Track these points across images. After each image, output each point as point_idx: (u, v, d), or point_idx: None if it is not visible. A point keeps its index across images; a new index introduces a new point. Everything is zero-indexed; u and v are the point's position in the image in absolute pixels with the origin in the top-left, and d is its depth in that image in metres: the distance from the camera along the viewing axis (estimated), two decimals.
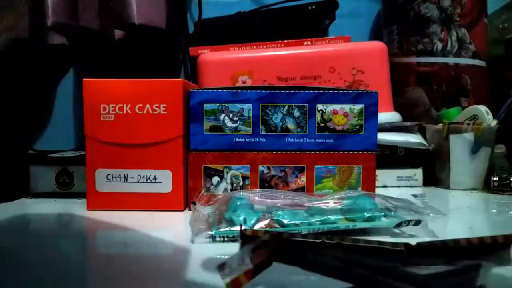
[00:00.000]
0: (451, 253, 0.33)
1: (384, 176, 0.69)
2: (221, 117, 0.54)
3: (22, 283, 0.31)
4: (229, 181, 0.54)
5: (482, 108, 0.68)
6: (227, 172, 0.54)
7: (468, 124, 0.67)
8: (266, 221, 0.41)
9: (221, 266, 0.27)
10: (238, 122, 0.54)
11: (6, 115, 0.80)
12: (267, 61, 0.73)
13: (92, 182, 0.53)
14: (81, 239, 0.43)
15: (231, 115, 0.54)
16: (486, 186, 0.67)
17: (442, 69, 0.78)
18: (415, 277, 0.25)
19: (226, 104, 0.53)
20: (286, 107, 0.54)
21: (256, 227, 0.40)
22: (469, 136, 0.67)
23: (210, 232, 0.40)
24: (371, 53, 0.73)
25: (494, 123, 0.68)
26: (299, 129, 0.54)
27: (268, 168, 0.54)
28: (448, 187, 0.69)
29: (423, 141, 0.69)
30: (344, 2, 0.85)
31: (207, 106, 0.54)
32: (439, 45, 0.78)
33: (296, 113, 0.54)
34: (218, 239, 0.40)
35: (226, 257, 0.27)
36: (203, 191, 0.53)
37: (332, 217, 0.41)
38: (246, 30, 0.81)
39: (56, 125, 0.93)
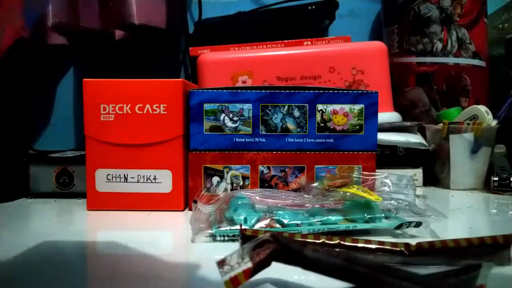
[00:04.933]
0: (451, 253, 0.33)
1: None
2: (221, 117, 0.54)
3: (22, 284, 0.31)
4: (229, 181, 0.54)
5: (482, 108, 0.68)
6: (227, 172, 0.54)
7: (468, 124, 0.67)
8: (267, 221, 0.41)
9: (221, 263, 0.27)
10: (238, 122, 0.54)
11: (6, 115, 0.80)
12: (267, 61, 0.73)
13: (92, 182, 0.53)
14: (81, 239, 0.43)
15: (231, 115, 0.54)
16: (486, 186, 0.67)
17: (442, 69, 0.78)
18: (415, 277, 0.25)
19: (226, 104, 0.53)
20: (286, 107, 0.54)
21: (257, 226, 0.40)
22: (469, 136, 0.67)
23: (210, 231, 0.40)
24: (371, 53, 0.73)
25: (494, 123, 0.68)
26: (299, 129, 0.54)
27: (268, 168, 0.54)
28: (448, 187, 0.69)
29: (423, 141, 0.69)
30: (344, 2, 0.85)
31: (207, 106, 0.54)
32: (439, 45, 0.78)
33: (296, 113, 0.54)
34: (218, 238, 0.40)
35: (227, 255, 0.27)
36: (203, 191, 0.53)
37: (333, 218, 0.41)
38: (246, 30, 0.81)
39: (56, 125, 0.93)
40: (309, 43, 0.76)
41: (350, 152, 0.54)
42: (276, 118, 0.54)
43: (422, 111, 0.80)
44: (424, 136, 0.72)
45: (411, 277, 0.25)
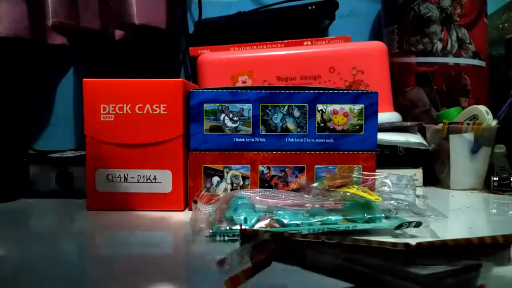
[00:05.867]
0: (451, 253, 0.33)
1: None
2: (221, 117, 0.54)
3: (22, 284, 0.31)
4: (229, 181, 0.54)
5: (482, 108, 0.68)
6: (227, 172, 0.54)
7: (468, 124, 0.67)
8: (267, 221, 0.41)
9: (221, 262, 0.27)
10: (238, 122, 0.54)
11: (6, 115, 0.80)
12: (267, 61, 0.73)
13: (92, 182, 0.53)
14: (81, 239, 0.43)
15: (231, 115, 0.54)
16: (486, 186, 0.67)
17: (442, 69, 0.78)
18: (415, 277, 0.25)
19: (226, 104, 0.53)
20: (286, 107, 0.54)
21: (257, 226, 0.40)
22: (469, 136, 0.67)
23: (210, 231, 0.40)
24: (371, 53, 0.73)
25: (494, 123, 0.68)
26: (299, 129, 0.54)
27: (268, 168, 0.54)
28: (448, 187, 0.69)
29: (423, 141, 0.69)
30: (344, 2, 0.85)
31: (207, 106, 0.54)
32: (439, 45, 0.78)
33: (296, 113, 0.54)
34: (218, 238, 0.40)
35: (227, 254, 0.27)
36: (203, 191, 0.53)
37: (333, 218, 0.41)
38: (246, 30, 0.81)
39: (56, 125, 0.93)
40: (309, 43, 0.76)
41: (350, 152, 0.54)
42: (276, 118, 0.54)
43: (422, 111, 0.80)
44: (424, 136, 0.72)
45: (411, 277, 0.25)
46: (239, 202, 0.44)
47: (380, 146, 0.69)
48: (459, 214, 0.53)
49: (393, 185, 0.50)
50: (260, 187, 0.54)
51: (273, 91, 0.54)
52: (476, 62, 0.78)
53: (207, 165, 0.54)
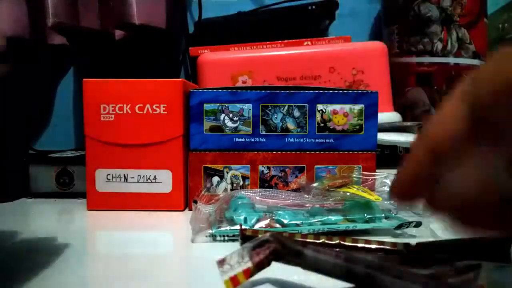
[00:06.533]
0: (451, 253, 0.33)
1: None
2: (221, 117, 0.54)
3: (22, 283, 0.31)
4: (229, 181, 0.54)
5: None
6: (227, 172, 0.54)
7: None
8: (267, 221, 0.41)
9: (221, 262, 0.27)
10: (238, 122, 0.54)
11: (6, 115, 0.80)
12: (267, 61, 0.73)
13: (92, 182, 0.53)
14: (81, 239, 0.43)
15: (231, 115, 0.54)
16: None
17: (442, 69, 0.78)
18: (415, 277, 0.25)
19: (226, 104, 0.53)
20: (286, 107, 0.54)
21: (257, 226, 0.40)
22: None
23: (210, 231, 0.40)
24: (371, 53, 0.73)
25: None
26: (299, 129, 0.54)
27: (268, 168, 0.54)
28: None
29: None
30: (344, 2, 0.85)
31: (207, 106, 0.54)
32: (439, 45, 0.78)
33: (296, 113, 0.54)
34: (218, 238, 0.40)
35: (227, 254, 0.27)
36: (203, 191, 0.53)
37: (333, 218, 0.41)
38: (246, 30, 0.81)
39: (56, 125, 0.93)
40: (309, 43, 0.76)
41: (350, 152, 0.54)
42: (276, 118, 0.54)
43: (422, 111, 0.80)
44: None
45: (411, 276, 0.25)
46: (239, 202, 0.44)
47: (380, 146, 0.69)
48: None
49: None
50: (260, 187, 0.54)
51: (273, 91, 0.54)
52: (476, 62, 0.78)
53: (207, 165, 0.54)
